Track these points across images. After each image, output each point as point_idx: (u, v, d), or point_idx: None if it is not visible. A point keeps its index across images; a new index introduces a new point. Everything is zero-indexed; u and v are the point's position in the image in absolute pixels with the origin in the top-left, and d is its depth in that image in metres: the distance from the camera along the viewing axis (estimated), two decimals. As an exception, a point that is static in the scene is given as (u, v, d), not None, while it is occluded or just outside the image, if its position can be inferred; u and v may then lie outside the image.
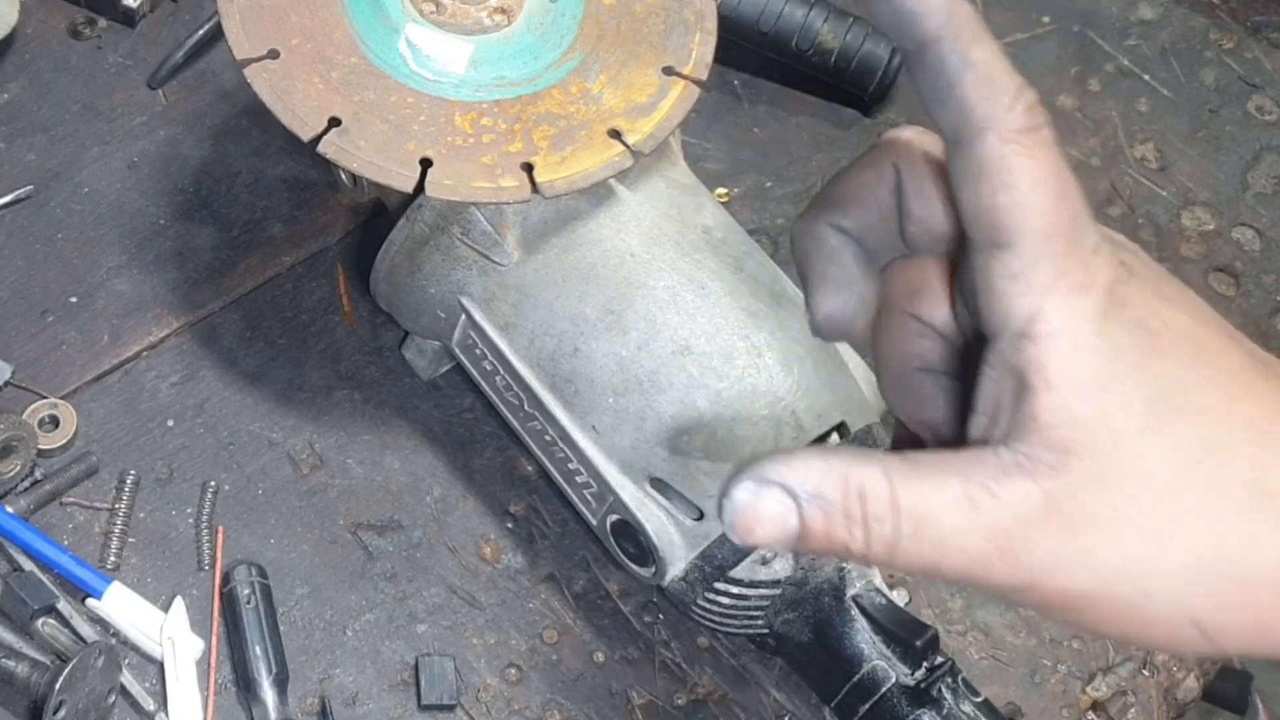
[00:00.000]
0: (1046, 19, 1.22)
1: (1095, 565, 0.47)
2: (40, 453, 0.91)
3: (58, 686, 0.80)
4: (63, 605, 0.86)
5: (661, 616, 0.93)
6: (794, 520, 0.48)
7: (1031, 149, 0.46)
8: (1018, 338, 0.47)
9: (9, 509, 0.89)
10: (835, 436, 0.83)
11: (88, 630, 0.86)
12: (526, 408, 0.87)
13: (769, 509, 0.48)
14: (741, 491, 0.48)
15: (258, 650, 0.86)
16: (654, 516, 0.83)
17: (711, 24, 0.87)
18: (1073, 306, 0.46)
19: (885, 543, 0.48)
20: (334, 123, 0.79)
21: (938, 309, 0.53)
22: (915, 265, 0.53)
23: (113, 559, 0.90)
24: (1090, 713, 0.94)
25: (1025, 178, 0.46)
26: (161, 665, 0.86)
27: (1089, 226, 0.47)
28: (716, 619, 0.86)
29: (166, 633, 0.86)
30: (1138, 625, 0.49)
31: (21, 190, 1.02)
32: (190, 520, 0.92)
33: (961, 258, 0.50)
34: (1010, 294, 0.46)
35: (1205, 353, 0.48)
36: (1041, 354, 0.46)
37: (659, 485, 0.83)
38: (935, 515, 0.47)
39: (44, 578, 0.87)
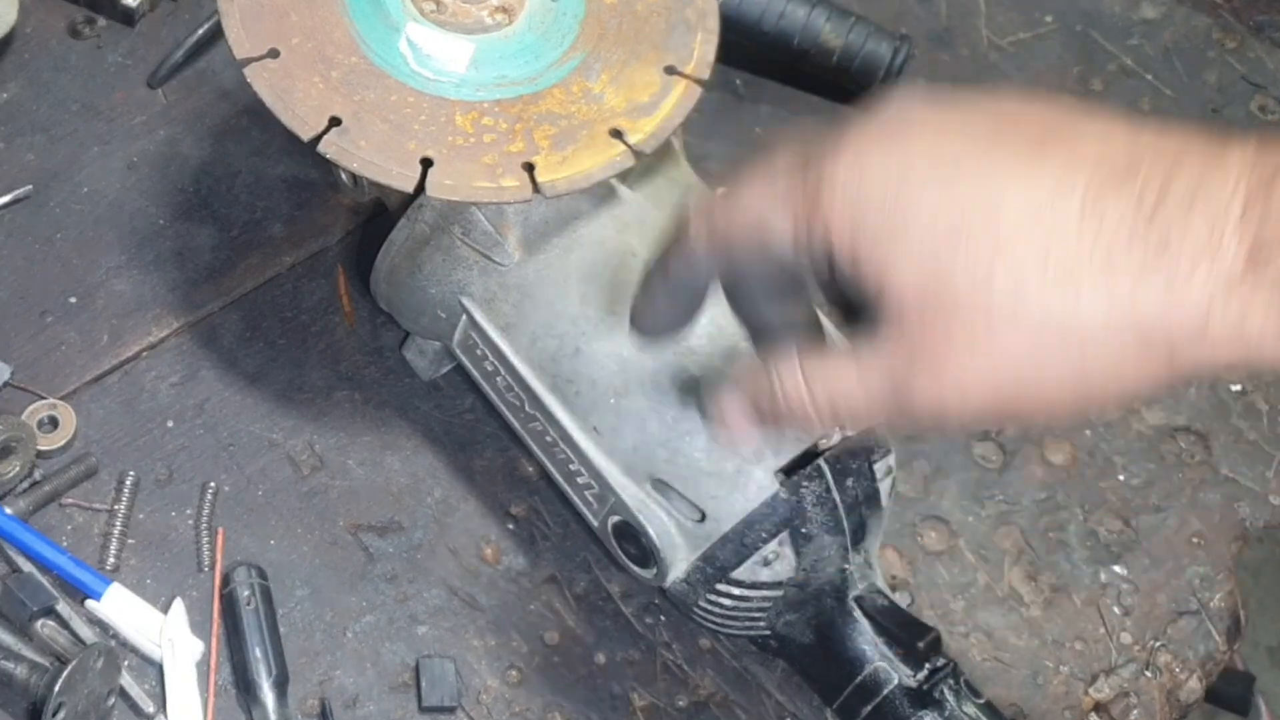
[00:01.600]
0: (1049, 18, 1.22)
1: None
2: (39, 454, 0.91)
3: (57, 688, 0.79)
4: (62, 607, 0.86)
5: (663, 618, 0.93)
6: (755, 418, 0.68)
7: None
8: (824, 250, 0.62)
9: (8, 510, 0.89)
10: (837, 436, 0.83)
11: (87, 632, 0.86)
12: (527, 408, 0.87)
13: (737, 410, 0.68)
14: (719, 400, 0.69)
15: (258, 652, 0.86)
16: (655, 518, 0.83)
17: (713, 23, 0.86)
18: (835, 208, 0.60)
19: (804, 415, 0.66)
20: (334, 122, 0.79)
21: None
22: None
23: (112, 560, 0.90)
24: (1093, 714, 0.94)
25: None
26: (161, 667, 0.86)
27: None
28: (718, 620, 0.86)
29: (166, 634, 0.86)
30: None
31: (21, 190, 1.01)
32: (190, 521, 0.92)
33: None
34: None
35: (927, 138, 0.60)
36: (838, 255, 0.61)
37: (660, 486, 0.83)
38: (843, 381, 0.64)
39: (43, 579, 0.87)
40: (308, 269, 1.02)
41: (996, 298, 0.56)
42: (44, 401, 0.93)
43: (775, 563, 0.82)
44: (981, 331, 0.57)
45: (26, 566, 0.88)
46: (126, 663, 0.86)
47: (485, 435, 0.97)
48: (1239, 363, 0.55)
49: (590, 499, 0.86)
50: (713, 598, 0.84)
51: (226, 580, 0.89)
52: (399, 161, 0.78)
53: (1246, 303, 0.53)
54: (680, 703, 0.91)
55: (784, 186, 0.62)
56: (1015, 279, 0.56)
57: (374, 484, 0.95)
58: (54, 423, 0.92)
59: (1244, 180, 0.53)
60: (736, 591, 0.83)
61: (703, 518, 0.82)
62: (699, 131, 1.11)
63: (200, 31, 1.07)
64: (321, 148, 0.78)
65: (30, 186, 1.02)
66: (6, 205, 1.01)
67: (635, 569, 0.86)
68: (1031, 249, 0.56)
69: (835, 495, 0.82)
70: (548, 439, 0.87)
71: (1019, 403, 0.59)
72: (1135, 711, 0.94)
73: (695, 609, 0.85)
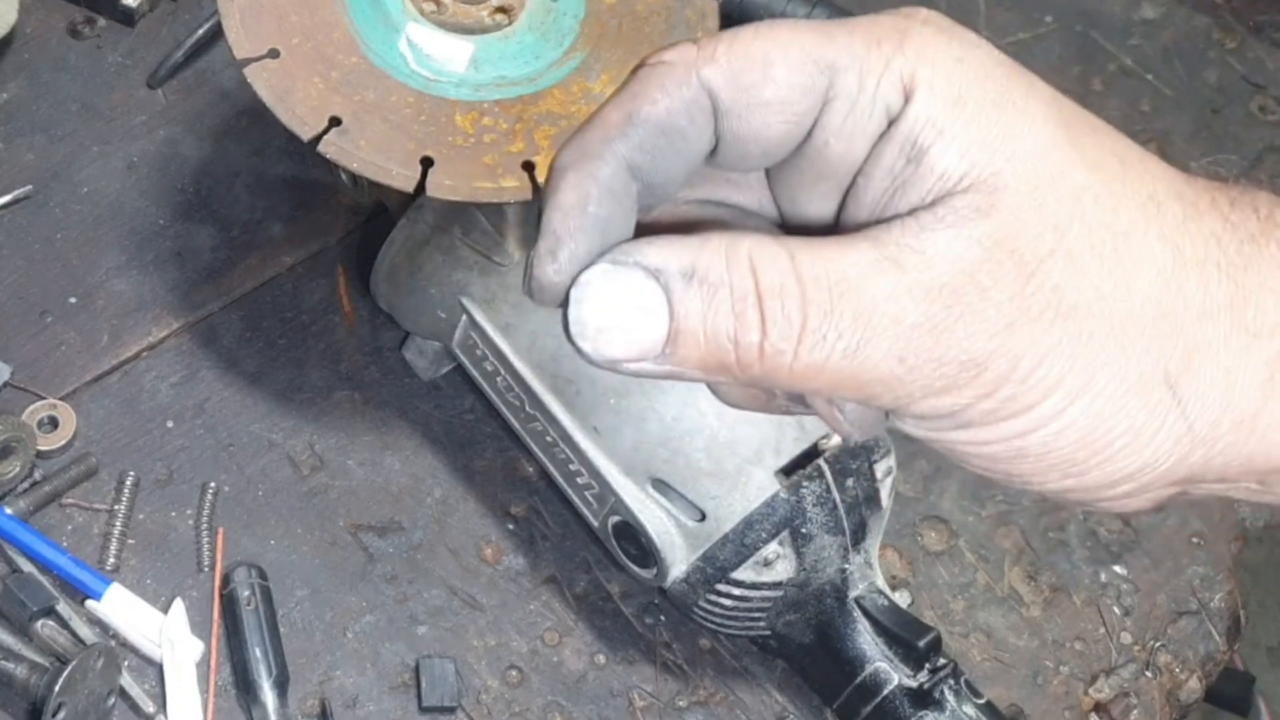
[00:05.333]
0: (1049, 18, 1.22)
1: (1066, 308, 0.40)
2: (39, 454, 0.91)
3: (57, 688, 0.79)
4: (62, 607, 0.86)
5: (663, 618, 0.93)
6: (662, 312, 0.38)
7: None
8: (885, 113, 0.42)
9: (8, 510, 0.89)
10: (837, 437, 0.83)
11: (87, 632, 0.86)
12: (528, 409, 0.87)
13: (632, 296, 0.38)
14: (592, 275, 0.38)
15: (258, 652, 0.86)
16: (655, 518, 0.83)
17: (713, 24, 0.86)
18: (930, 57, 0.41)
19: (791, 329, 0.38)
20: (334, 122, 0.79)
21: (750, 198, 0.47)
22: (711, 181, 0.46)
23: (112, 560, 0.89)
24: (1093, 714, 0.94)
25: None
26: (161, 667, 0.86)
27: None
28: (718, 620, 0.86)
29: (166, 634, 0.86)
30: (1109, 394, 0.41)
31: (21, 190, 1.01)
32: (190, 521, 0.92)
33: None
34: (866, 83, 0.42)
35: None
36: (920, 109, 0.41)
37: (660, 486, 0.83)
38: (854, 280, 0.38)
39: (43, 579, 0.87)
40: (308, 269, 1.02)
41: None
42: (44, 402, 0.93)
43: (775, 563, 0.82)
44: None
45: (27, 566, 0.88)
46: (126, 663, 0.86)
47: (485, 435, 0.97)
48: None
49: (590, 499, 0.86)
50: (713, 598, 0.84)
51: (226, 580, 0.88)
52: (399, 161, 0.78)
53: None
54: (680, 703, 0.91)
55: (840, 30, 0.43)
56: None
57: (374, 484, 0.95)
58: (54, 423, 0.92)
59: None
60: (736, 591, 0.83)
61: (703, 518, 0.82)
62: (699, 131, 1.11)
63: (200, 32, 1.07)
64: (321, 148, 0.78)
65: (30, 186, 1.02)
66: (6, 205, 1.01)
67: (635, 569, 0.86)
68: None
69: (835, 495, 0.82)
70: (548, 439, 0.87)
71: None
72: (1135, 711, 0.94)
73: (695, 609, 0.85)
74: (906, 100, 0.41)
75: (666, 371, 0.40)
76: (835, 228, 0.44)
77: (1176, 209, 0.42)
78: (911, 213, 0.40)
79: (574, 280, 0.39)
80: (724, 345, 0.38)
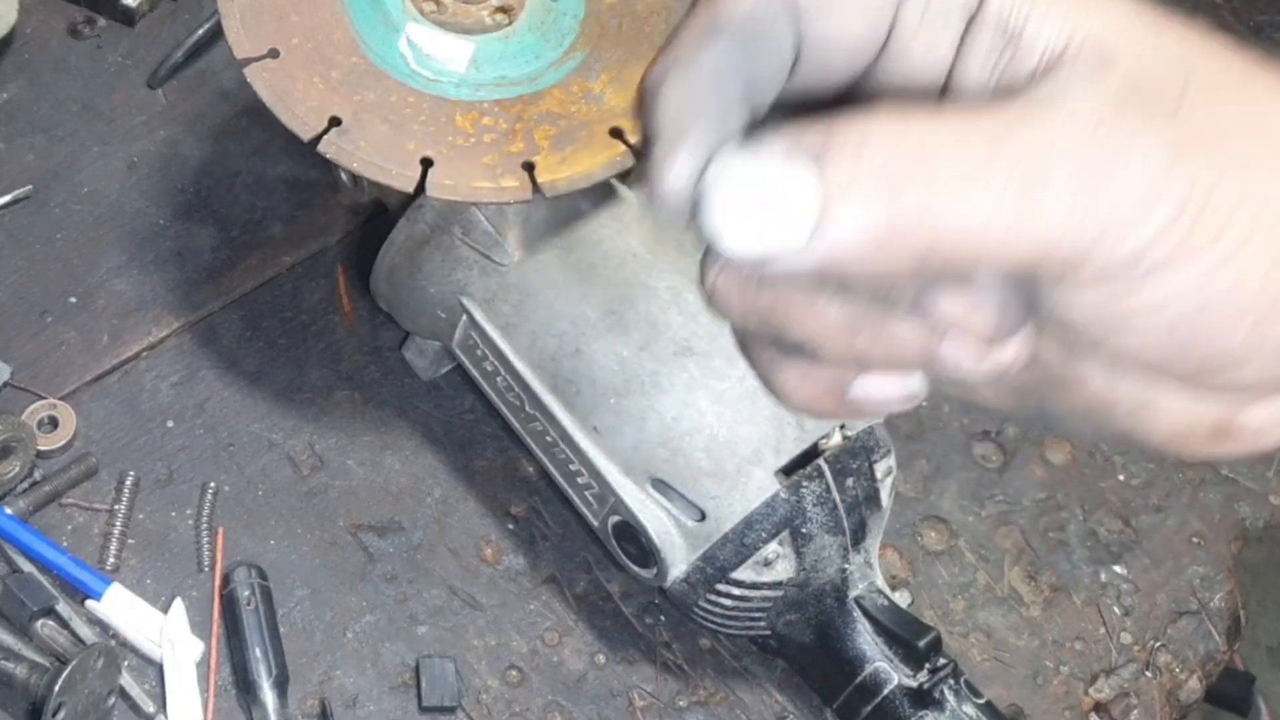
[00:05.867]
0: (1048, 18, 1.22)
1: (1224, 132, 0.38)
2: (39, 454, 0.91)
3: (57, 688, 0.79)
4: (62, 607, 0.86)
5: (663, 618, 0.93)
6: (806, 196, 0.36)
7: None
8: (962, 4, 0.40)
9: (8, 510, 0.89)
10: (837, 437, 0.83)
11: (87, 632, 0.86)
12: (527, 408, 0.87)
13: (773, 182, 0.36)
14: (727, 166, 0.37)
15: (258, 652, 0.86)
16: (655, 518, 0.83)
17: (713, 23, 0.86)
18: None
19: (948, 190, 0.36)
20: (334, 122, 0.79)
21: None
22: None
23: (112, 560, 0.90)
24: (1093, 714, 0.94)
25: None
26: (161, 667, 0.86)
27: None
28: (718, 620, 0.86)
29: (166, 634, 0.86)
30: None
31: (21, 190, 1.01)
32: (190, 521, 0.92)
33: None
34: None
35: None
36: None
37: (660, 486, 0.83)
38: (1001, 137, 0.37)
39: (43, 579, 0.87)
40: (308, 269, 1.02)
41: None
42: (44, 401, 0.93)
43: (775, 563, 0.82)
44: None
45: (27, 566, 0.88)
46: (126, 663, 0.86)
47: (485, 435, 0.97)
48: None
49: (590, 499, 0.86)
50: (713, 598, 0.84)
51: (226, 580, 0.89)
52: (399, 161, 0.78)
53: None
54: (680, 703, 0.91)
55: None
56: None
57: (374, 484, 0.95)
58: (54, 423, 0.92)
59: None
60: (736, 591, 0.83)
61: (703, 517, 0.82)
62: (699, 131, 1.11)
63: (200, 32, 1.07)
64: (321, 148, 0.78)
65: (30, 187, 1.02)
66: (7, 205, 1.01)
67: (635, 569, 0.86)
68: None
69: (835, 495, 0.82)
70: (548, 439, 0.87)
71: None
72: (1135, 711, 0.94)
73: (695, 609, 0.85)
74: None
75: (818, 260, 0.37)
76: None
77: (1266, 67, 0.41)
78: (1029, 84, 0.39)
79: (703, 181, 0.37)
80: (880, 219, 0.36)
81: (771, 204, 0.36)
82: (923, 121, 0.37)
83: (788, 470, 0.81)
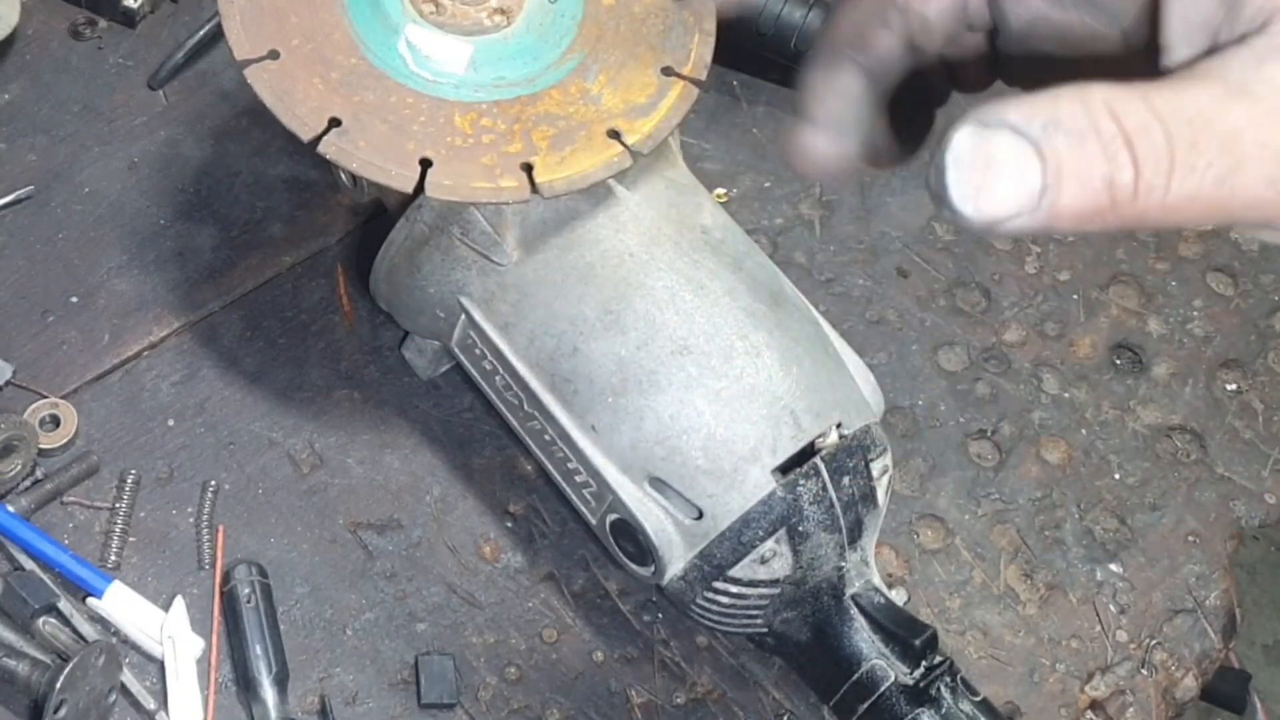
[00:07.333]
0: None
1: None
2: (41, 452, 0.92)
3: (58, 685, 0.80)
4: (63, 604, 0.87)
5: (660, 615, 0.93)
6: (1034, 162, 0.38)
7: None
8: None
9: (10, 508, 0.89)
10: (834, 436, 0.83)
11: (88, 629, 0.86)
12: (526, 407, 0.87)
13: (1003, 152, 0.39)
14: (962, 139, 0.39)
15: (258, 649, 0.87)
16: (653, 516, 0.83)
17: (710, 25, 0.87)
18: None
19: (1161, 165, 0.38)
20: (334, 123, 0.79)
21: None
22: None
23: (113, 558, 0.90)
24: (1089, 712, 0.94)
25: None
26: (162, 664, 0.87)
27: None
28: (715, 618, 0.86)
29: (167, 632, 0.87)
30: None
31: (22, 190, 1.02)
32: (190, 519, 0.92)
33: None
34: None
35: None
36: None
37: (658, 485, 0.83)
38: (1211, 113, 0.38)
39: (45, 577, 0.88)
40: (308, 269, 1.02)
41: None
42: (45, 400, 0.94)
43: (772, 560, 0.83)
44: None
45: (28, 564, 0.88)
46: (127, 660, 0.87)
47: (484, 434, 0.97)
48: None
49: (588, 497, 0.87)
50: (710, 595, 0.84)
51: (227, 578, 0.89)
52: (398, 162, 0.79)
53: None
54: (678, 700, 0.91)
55: None
56: None
57: (373, 482, 0.95)
58: (55, 421, 0.93)
59: None
60: (734, 589, 0.83)
61: (700, 515, 0.82)
62: (696, 132, 1.11)
63: (201, 33, 1.07)
64: (321, 148, 0.79)
65: (32, 187, 1.02)
66: (8, 205, 1.01)
67: (633, 567, 0.87)
68: None
69: (832, 493, 0.82)
70: (546, 438, 0.87)
71: None
72: (1131, 709, 0.94)
73: (693, 606, 0.86)
74: None
75: (1040, 223, 0.40)
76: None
77: None
78: (1242, 40, 0.40)
79: (940, 152, 0.40)
80: (1098, 188, 0.39)
81: (1004, 174, 0.39)
82: (1136, 100, 0.39)
83: (784, 469, 0.82)
